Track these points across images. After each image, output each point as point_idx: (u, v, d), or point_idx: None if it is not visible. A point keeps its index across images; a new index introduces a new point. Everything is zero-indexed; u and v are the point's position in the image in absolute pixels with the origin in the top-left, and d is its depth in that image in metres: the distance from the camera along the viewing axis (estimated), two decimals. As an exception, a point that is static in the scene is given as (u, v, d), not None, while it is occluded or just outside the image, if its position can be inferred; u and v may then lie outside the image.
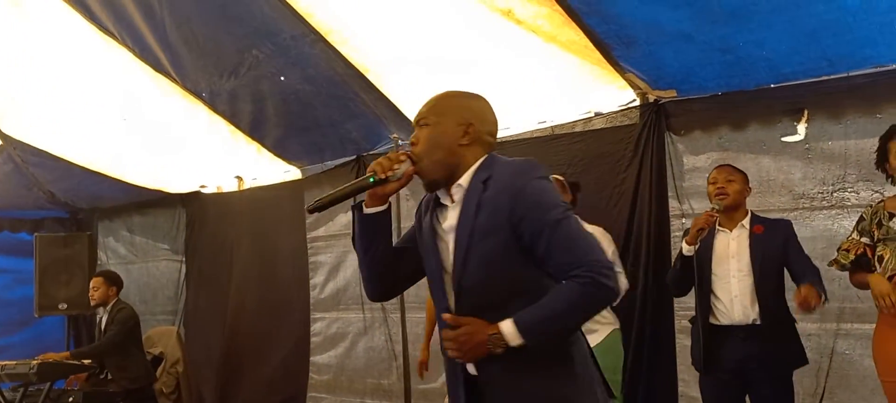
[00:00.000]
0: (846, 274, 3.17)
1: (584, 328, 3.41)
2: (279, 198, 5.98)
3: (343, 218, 5.54)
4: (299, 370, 5.83)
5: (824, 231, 3.45)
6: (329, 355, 5.73)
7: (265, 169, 6.00)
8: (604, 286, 1.74)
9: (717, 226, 3.23)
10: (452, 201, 1.90)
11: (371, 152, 5.30)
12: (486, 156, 1.92)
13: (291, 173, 5.94)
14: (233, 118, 5.29)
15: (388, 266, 2.01)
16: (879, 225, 2.82)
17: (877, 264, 2.81)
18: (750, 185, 3.35)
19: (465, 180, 1.88)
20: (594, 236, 1.87)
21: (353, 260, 5.49)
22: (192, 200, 6.78)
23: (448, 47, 4.03)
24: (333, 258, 5.68)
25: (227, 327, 6.32)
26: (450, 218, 1.90)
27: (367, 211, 1.93)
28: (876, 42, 3.17)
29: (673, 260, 3.99)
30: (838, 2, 2.94)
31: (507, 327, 1.76)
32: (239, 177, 6.34)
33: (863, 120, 3.47)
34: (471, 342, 1.79)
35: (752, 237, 3.16)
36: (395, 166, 1.88)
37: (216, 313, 6.42)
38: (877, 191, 3.41)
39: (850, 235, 2.98)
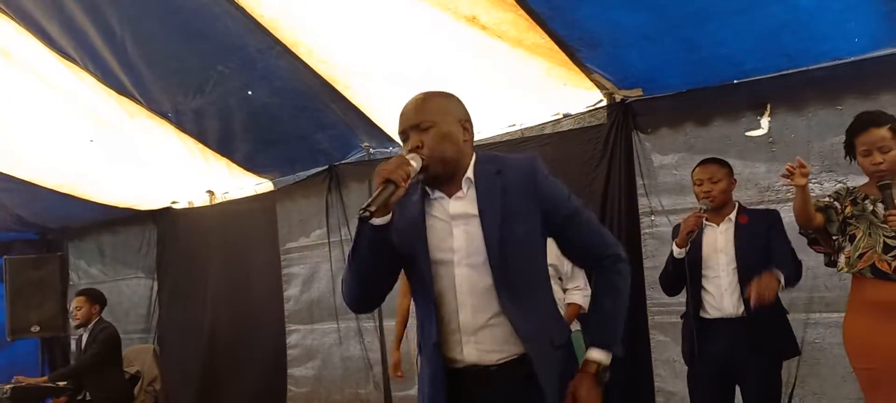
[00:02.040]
0: (815, 266, 3.25)
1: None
2: (251, 211, 5.95)
3: (316, 230, 5.54)
4: (277, 383, 5.80)
5: (790, 223, 3.48)
6: (306, 367, 5.71)
7: (237, 182, 5.96)
8: (628, 266, 2.01)
9: (706, 222, 3.22)
10: (460, 191, 1.97)
11: (343, 162, 5.30)
12: (478, 152, 2.02)
13: (263, 185, 5.90)
14: (200, 136, 5.25)
15: (387, 277, 2.01)
16: (854, 202, 2.82)
17: (848, 242, 2.83)
18: (734, 177, 3.31)
19: (471, 172, 1.98)
20: None
21: (325, 271, 5.48)
22: (163, 216, 6.72)
23: (415, 54, 4.04)
24: (307, 269, 5.66)
25: (203, 342, 6.27)
26: (460, 207, 1.95)
27: (377, 222, 1.82)
28: (833, 37, 3.25)
29: (644, 257, 4.06)
30: (793, 3, 3.00)
31: (597, 354, 1.94)
32: (210, 192, 6.29)
33: (824, 112, 3.55)
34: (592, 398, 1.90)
35: (738, 227, 3.18)
36: (408, 168, 1.85)
37: (191, 329, 6.36)
38: (840, 181, 3.48)
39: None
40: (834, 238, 2.89)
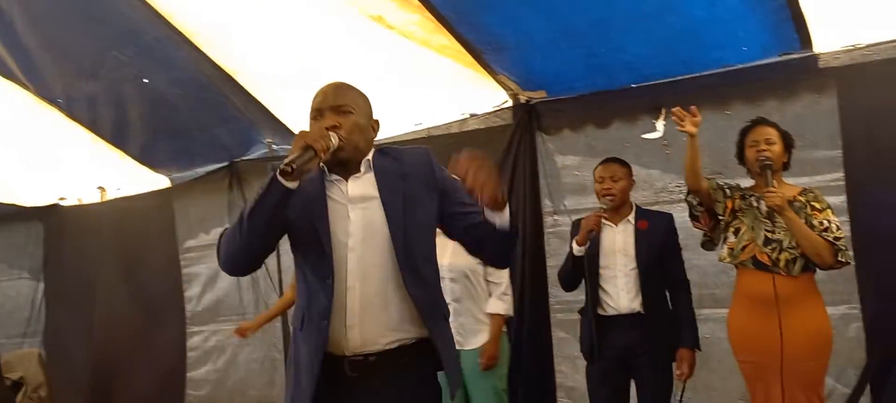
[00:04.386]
0: (706, 264, 3.42)
1: (469, 328, 3.51)
2: (147, 209, 5.72)
3: (217, 228, 5.37)
4: (175, 387, 5.60)
5: (683, 223, 3.64)
6: (207, 369, 5.54)
7: (131, 178, 5.70)
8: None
9: (605, 221, 3.31)
10: (358, 172, 2.02)
11: (245, 158, 5.16)
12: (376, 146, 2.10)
13: (159, 182, 5.68)
14: (93, 125, 5.00)
15: (272, 243, 2.05)
16: (743, 197, 3.04)
17: (733, 235, 3.02)
18: (633, 178, 3.43)
19: (370, 159, 2.05)
20: None
21: (232, 269, 5.33)
22: (49, 214, 6.34)
23: (321, 50, 3.97)
24: (210, 268, 5.49)
25: (94, 347, 5.96)
26: (358, 189, 2.00)
27: (289, 184, 1.88)
28: (723, 46, 3.42)
29: (547, 255, 4.15)
30: (688, 14, 3.16)
31: None
32: (101, 188, 5.99)
33: (714, 116, 3.71)
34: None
35: (638, 233, 3.29)
36: (329, 142, 1.91)
37: (80, 333, 6.04)
38: (729, 182, 3.66)
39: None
40: (719, 217, 3.10)
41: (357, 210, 1.99)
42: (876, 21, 3.27)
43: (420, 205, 2.00)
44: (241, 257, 2.00)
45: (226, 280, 5.40)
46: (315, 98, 2.04)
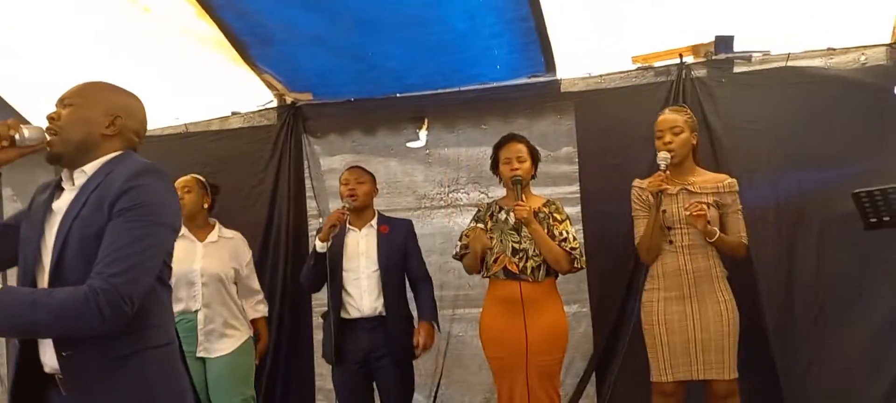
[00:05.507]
0: (461, 266, 3.63)
1: (217, 334, 3.41)
2: None
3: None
4: None
5: (442, 228, 3.88)
6: None
7: None
8: (97, 312, 1.62)
9: (349, 226, 3.42)
10: (72, 185, 1.84)
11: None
12: (123, 152, 1.89)
13: None
14: None
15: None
16: (492, 216, 3.31)
17: (488, 250, 3.27)
18: (377, 186, 3.58)
19: (90, 168, 1.84)
20: (144, 265, 1.72)
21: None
22: None
23: (64, 26, 3.58)
24: None
25: None
26: (63, 201, 1.83)
27: None
28: (480, 62, 3.66)
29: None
30: (450, 23, 3.31)
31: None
32: None
33: (472, 130, 3.98)
34: None
35: (380, 236, 3.42)
36: (12, 133, 1.78)
37: None
38: (483, 192, 3.95)
39: (469, 226, 3.41)
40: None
41: (52, 226, 1.78)
42: (606, 54, 3.70)
43: (87, 226, 1.72)
44: None
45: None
46: None
